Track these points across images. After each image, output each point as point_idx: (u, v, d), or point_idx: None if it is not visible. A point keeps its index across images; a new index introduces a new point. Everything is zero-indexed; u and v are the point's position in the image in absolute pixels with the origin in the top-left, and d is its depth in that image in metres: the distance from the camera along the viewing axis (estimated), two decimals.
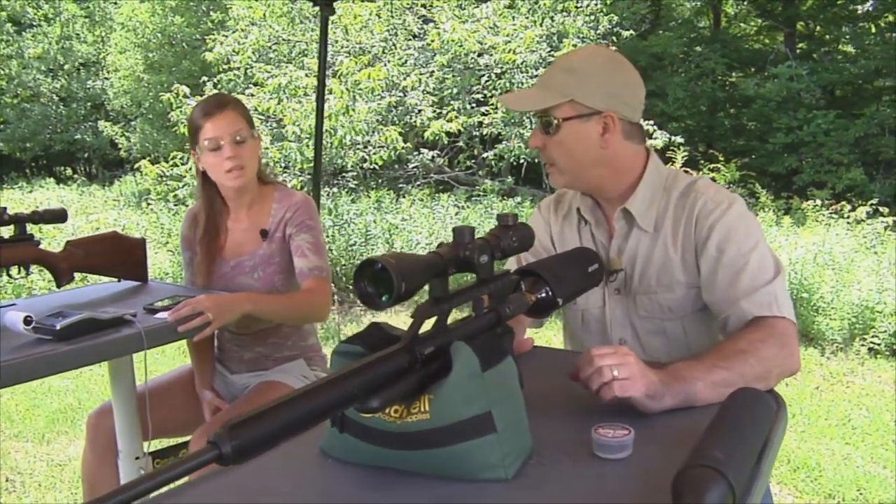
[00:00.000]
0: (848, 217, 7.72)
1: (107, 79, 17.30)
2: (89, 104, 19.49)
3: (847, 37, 15.53)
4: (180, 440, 2.30)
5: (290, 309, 2.19)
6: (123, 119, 17.24)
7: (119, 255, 2.25)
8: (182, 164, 8.58)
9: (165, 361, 4.73)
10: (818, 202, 8.34)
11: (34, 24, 19.40)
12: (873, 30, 15.15)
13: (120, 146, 16.90)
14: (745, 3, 16.91)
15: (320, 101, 3.74)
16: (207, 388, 2.29)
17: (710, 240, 1.49)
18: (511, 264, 1.66)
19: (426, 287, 0.96)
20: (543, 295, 1.25)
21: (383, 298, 0.87)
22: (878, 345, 5.22)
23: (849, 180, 11.45)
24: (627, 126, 1.55)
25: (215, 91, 8.60)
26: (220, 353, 2.40)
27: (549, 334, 4.79)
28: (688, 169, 7.51)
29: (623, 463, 1.03)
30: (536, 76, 9.85)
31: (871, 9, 15.09)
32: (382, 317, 6.52)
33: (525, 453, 1.02)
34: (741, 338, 1.36)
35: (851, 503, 3.25)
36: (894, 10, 14.78)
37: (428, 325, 0.97)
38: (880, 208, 7.82)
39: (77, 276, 2.19)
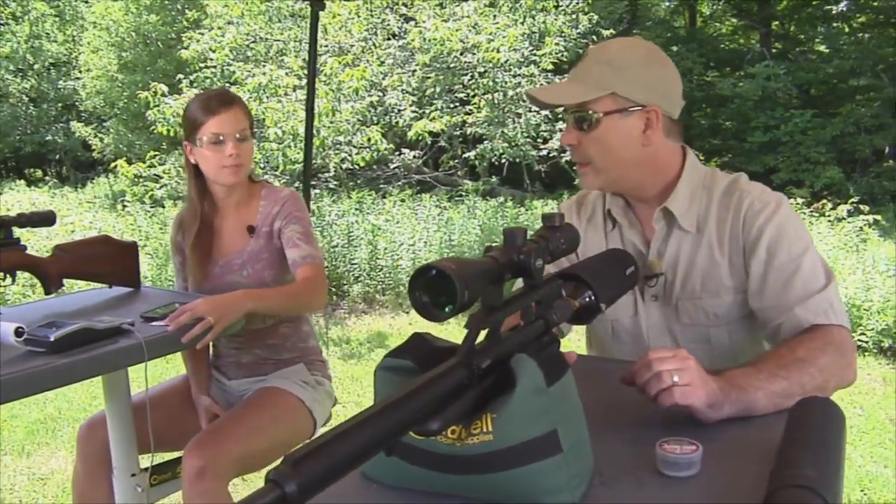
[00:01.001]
0: (829, 216, 7.73)
1: (79, 78, 16.97)
2: (60, 105, 19.13)
3: (821, 37, 15.69)
4: (178, 454, 2.18)
5: (290, 299, 2.10)
6: (96, 120, 16.93)
7: (110, 260, 2.14)
8: (159, 164, 8.42)
9: (154, 371, 4.59)
10: (799, 201, 8.36)
11: (1, 22, 19.00)
12: (847, 30, 15.33)
13: (93, 147, 16.58)
14: (721, 2, 17.02)
15: (310, 99, 3.64)
16: (204, 395, 2.19)
17: (761, 242, 1.41)
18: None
19: None
20: (587, 300, 1.17)
21: (446, 309, 0.78)
22: (866, 342, 5.21)
23: (827, 179, 11.55)
24: (668, 122, 1.46)
25: (199, 91, 8.42)
26: (216, 358, 2.31)
27: (566, 344, 4.70)
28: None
29: (692, 481, 0.95)
30: (519, 75, 9.81)
31: (844, 9, 15.26)
32: (376, 322, 6.42)
33: (589, 474, 0.94)
34: (799, 346, 1.28)
35: None
36: (867, 11, 14.98)
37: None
38: (860, 206, 7.84)
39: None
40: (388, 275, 7.00)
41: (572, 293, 1.16)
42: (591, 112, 1.43)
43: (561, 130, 10.00)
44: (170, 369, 4.48)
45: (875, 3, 14.70)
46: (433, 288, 0.80)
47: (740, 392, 1.14)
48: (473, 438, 0.86)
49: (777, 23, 16.27)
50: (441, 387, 0.79)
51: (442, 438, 0.88)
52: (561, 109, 1.54)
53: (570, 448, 0.89)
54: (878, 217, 8.03)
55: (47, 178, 19.38)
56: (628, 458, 1.00)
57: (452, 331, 5.32)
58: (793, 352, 1.26)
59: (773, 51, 15.07)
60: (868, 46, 14.05)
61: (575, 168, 1.58)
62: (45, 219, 2.04)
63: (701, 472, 0.96)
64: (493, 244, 0.95)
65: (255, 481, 3.28)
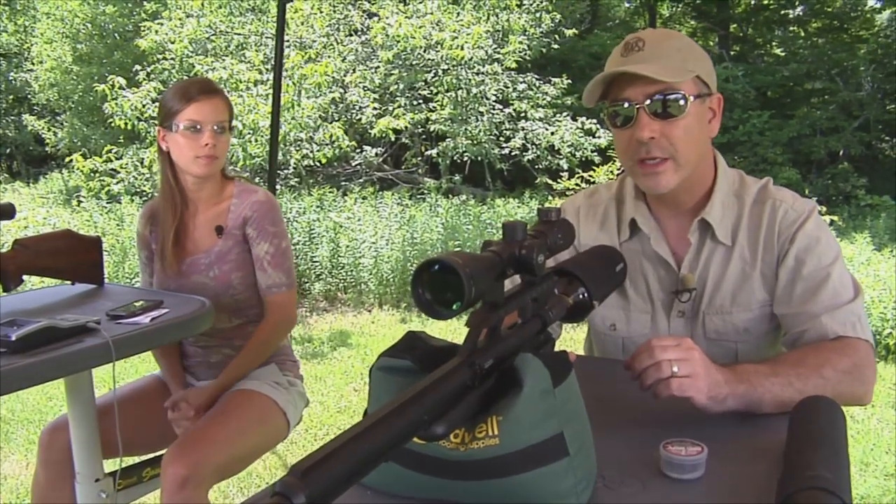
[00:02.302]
0: None
1: (31, 70, 16.52)
2: (11, 97, 18.59)
3: (778, 40, 15.97)
4: (145, 457, 2.10)
5: (264, 350, 2.12)
6: (50, 113, 16.50)
7: (73, 256, 2.05)
8: (116, 158, 8.22)
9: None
10: None
11: None
12: (802, 34, 15.62)
13: (46, 141, 16.16)
14: (680, 4, 17.22)
15: (276, 93, 3.56)
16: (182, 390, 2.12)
17: (791, 250, 1.37)
18: None
19: None
20: (580, 297, 1.13)
21: (454, 306, 0.74)
22: None
23: (784, 179, 11.72)
24: None
25: (157, 84, 8.24)
26: (185, 358, 2.24)
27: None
28: None
29: (697, 483, 0.92)
30: (483, 72, 9.80)
31: (800, 14, 15.55)
32: (338, 320, 6.35)
33: (594, 477, 0.91)
34: (822, 356, 1.23)
35: None
36: (821, 16, 15.28)
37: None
38: (818, 207, 7.98)
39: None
40: (349, 273, 6.93)
41: (565, 290, 1.12)
42: (681, 94, 1.30)
43: (523, 129, 10.17)
44: (130, 370, 4.36)
45: (829, 9, 15.01)
46: (436, 284, 0.76)
47: (749, 388, 1.12)
48: (479, 443, 0.82)
49: (735, 25, 16.50)
50: (445, 388, 0.75)
51: (445, 443, 0.84)
52: (623, 103, 1.34)
53: (576, 451, 0.85)
54: (835, 217, 8.19)
55: None
56: (631, 461, 0.97)
57: (433, 327, 5.27)
58: (815, 360, 1.22)
59: (732, 53, 15.28)
60: (823, 50, 14.31)
61: (530, 167, 1.52)
62: (4, 212, 1.94)
63: (706, 474, 0.93)
64: (491, 240, 0.91)
65: (226, 486, 3.20)
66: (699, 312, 1.43)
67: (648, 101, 1.31)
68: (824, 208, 8.05)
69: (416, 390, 0.71)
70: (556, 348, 1.18)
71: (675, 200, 1.45)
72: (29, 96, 17.41)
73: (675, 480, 0.93)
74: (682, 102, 1.31)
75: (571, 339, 4.86)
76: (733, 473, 0.94)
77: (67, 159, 9.04)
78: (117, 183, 8.13)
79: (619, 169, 8.38)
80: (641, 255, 1.48)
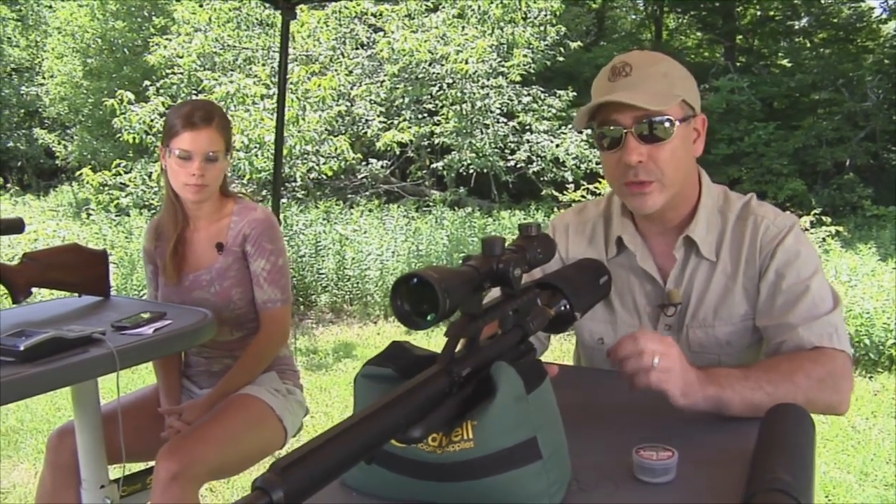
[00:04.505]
0: None
1: (42, 84, 16.70)
2: (23, 111, 18.78)
3: (784, 51, 16.00)
4: (149, 464, 2.16)
5: (258, 364, 2.18)
6: (60, 126, 16.67)
7: (80, 269, 2.11)
8: (125, 172, 8.31)
9: (122, 381, 4.52)
10: None
11: None
12: (808, 45, 15.66)
13: (56, 154, 16.33)
14: (686, 16, 17.28)
15: (280, 108, 3.62)
16: (174, 406, 2.18)
17: (772, 264, 1.40)
18: None
19: None
20: (562, 309, 1.18)
21: (428, 318, 0.79)
22: None
23: (789, 190, 11.76)
24: None
25: (165, 98, 8.35)
26: (187, 368, 2.31)
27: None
28: None
29: (668, 487, 0.96)
30: (487, 86, 9.87)
31: (806, 25, 15.59)
32: (343, 332, 6.39)
33: (567, 480, 0.95)
34: (796, 364, 1.27)
35: None
36: (827, 27, 15.32)
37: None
38: (823, 217, 7.99)
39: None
40: (355, 285, 6.98)
41: (547, 302, 1.17)
42: (667, 119, 1.34)
43: (528, 142, 10.23)
44: (136, 380, 4.42)
45: (835, 20, 15.05)
46: (415, 296, 0.81)
47: (719, 390, 1.15)
48: (454, 446, 0.87)
49: (741, 37, 16.56)
50: (423, 394, 0.80)
51: (423, 446, 0.88)
52: (611, 127, 1.37)
53: (549, 455, 0.90)
54: (840, 228, 8.20)
55: (8, 185, 18.99)
56: (605, 465, 1.02)
57: (421, 339, 5.32)
58: (787, 367, 1.25)
59: (738, 64, 15.32)
60: (829, 61, 14.34)
61: (537, 183, 1.57)
62: (13, 226, 2.00)
63: (677, 478, 0.98)
64: (471, 255, 0.96)
65: (221, 489, 3.25)
66: (683, 326, 1.47)
67: (635, 126, 1.34)
68: (829, 219, 8.07)
69: (393, 396, 0.76)
70: (546, 360, 1.23)
71: (660, 218, 1.49)
72: (40, 110, 17.60)
73: (646, 484, 0.97)
74: (667, 126, 1.34)
75: (567, 351, 4.89)
76: (703, 477, 0.98)
77: (77, 173, 9.15)
78: (126, 196, 8.23)
79: None
80: (628, 270, 1.52)
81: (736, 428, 1.13)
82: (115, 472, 2.01)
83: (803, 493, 0.83)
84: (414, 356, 0.95)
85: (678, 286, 1.48)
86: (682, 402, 1.13)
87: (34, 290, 2.04)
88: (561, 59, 11.22)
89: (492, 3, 10.20)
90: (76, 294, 2.15)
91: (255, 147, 7.76)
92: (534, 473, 0.88)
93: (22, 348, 1.54)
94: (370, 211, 9.12)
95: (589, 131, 1.47)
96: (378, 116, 9.53)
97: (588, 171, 9.82)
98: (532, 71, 10.35)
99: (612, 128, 1.37)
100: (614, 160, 1.39)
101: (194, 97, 8.76)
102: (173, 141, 2.06)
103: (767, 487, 0.82)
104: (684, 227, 1.47)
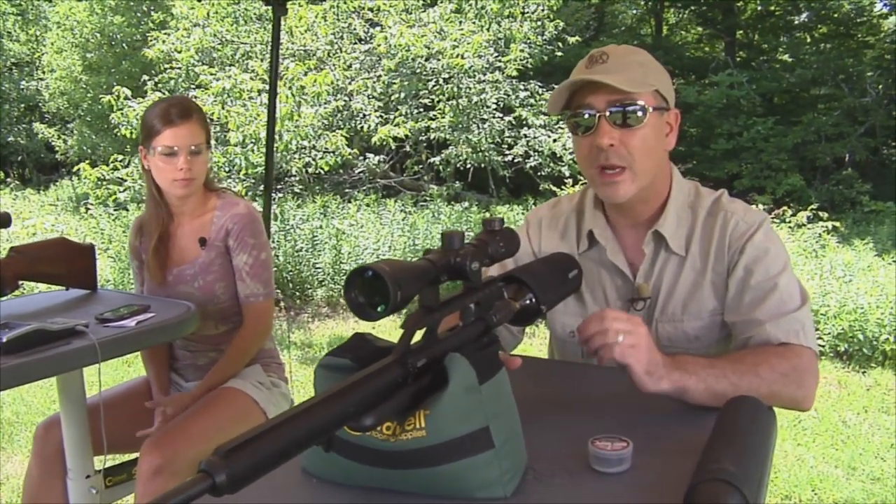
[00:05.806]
0: (790, 222, 7.88)
1: (42, 79, 16.72)
2: (23, 105, 18.82)
3: (784, 46, 15.99)
4: (134, 456, 2.19)
5: (242, 358, 2.20)
6: (60, 121, 16.70)
7: (67, 262, 2.14)
8: (123, 167, 8.33)
9: (115, 374, 4.56)
10: (761, 207, 8.49)
11: None
12: (808, 40, 15.64)
13: (56, 149, 16.36)
14: (686, 11, 17.27)
15: (272, 103, 3.64)
16: (165, 395, 2.21)
17: (741, 260, 1.42)
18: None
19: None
20: (528, 302, 1.20)
21: (379, 309, 0.82)
22: (823, 346, 5.32)
23: (788, 185, 11.76)
24: None
25: (163, 93, 8.37)
26: (174, 361, 2.33)
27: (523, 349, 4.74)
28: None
29: (623, 477, 0.98)
30: (484, 81, 9.87)
31: (806, 20, 15.57)
32: (339, 326, 6.42)
33: (522, 469, 0.98)
34: (762, 357, 1.28)
35: (807, 503, 3.29)
36: (827, 21, 15.30)
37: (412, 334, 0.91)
38: (820, 213, 8.01)
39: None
40: None
41: (514, 295, 1.19)
42: (639, 105, 1.37)
43: (525, 136, 10.23)
44: (132, 372, 4.46)
45: (835, 15, 15.02)
46: (368, 289, 0.83)
47: (684, 375, 1.17)
48: (407, 434, 0.89)
49: (741, 32, 16.55)
50: (375, 384, 0.83)
51: (377, 434, 0.91)
52: (585, 113, 1.40)
53: (501, 444, 0.92)
54: (837, 224, 8.23)
55: (9, 179, 19.03)
56: (562, 455, 1.04)
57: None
58: (753, 359, 1.27)
59: (738, 59, 15.32)
60: (829, 56, 14.34)
61: (534, 175, 1.59)
62: (0, 221, 2.03)
63: (631, 468, 1.00)
64: (431, 249, 0.98)
65: None
66: (652, 320, 1.49)
67: (609, 111, 1.37)
68: (826, 214, 8.09)
69: (344, 385, 0.79)
70: (518, 353, 1.25)
71: (631, 211, 1.51)
72: (39, 104, 17.64)
73: (601, 474, 0.99)
74: (640, 113, 1.37)
75: (543, 344, 4.92)
76: (657, 467, 1.00)
77: (76, 167, 9.17)
78: (124, 191, 8.24)
79: None
80: (599, 264, 1.54)
81: (693, 420, 1.15)
82: (101, 462, 2.04)
83: (747, 484, 0.85)
84: (374, 347, 0.97)
85: (647, 281, 1.49)
86: (646, 380, 1.14)
87: (22, 283, 2.07)
88: (560, 53, 11.21)
89: None
90: (63, 287, 2.18)
91: (252, 142, 7.78)
92: (486, 462, 0.91)
93: (5, 340, 1.57)
94: (367, 205, 9.14)
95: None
96: (375, 111, 9.54)
97: None
98: (529, 66, 10.34)
99: (586, 114, 1.40)
100: (587, 144, 1.42)
101: (192, 92, 8.78)
102: (155, 140, 2.08)
103: (710, 477, 0.84)
104: (654, 222, 1.48)
